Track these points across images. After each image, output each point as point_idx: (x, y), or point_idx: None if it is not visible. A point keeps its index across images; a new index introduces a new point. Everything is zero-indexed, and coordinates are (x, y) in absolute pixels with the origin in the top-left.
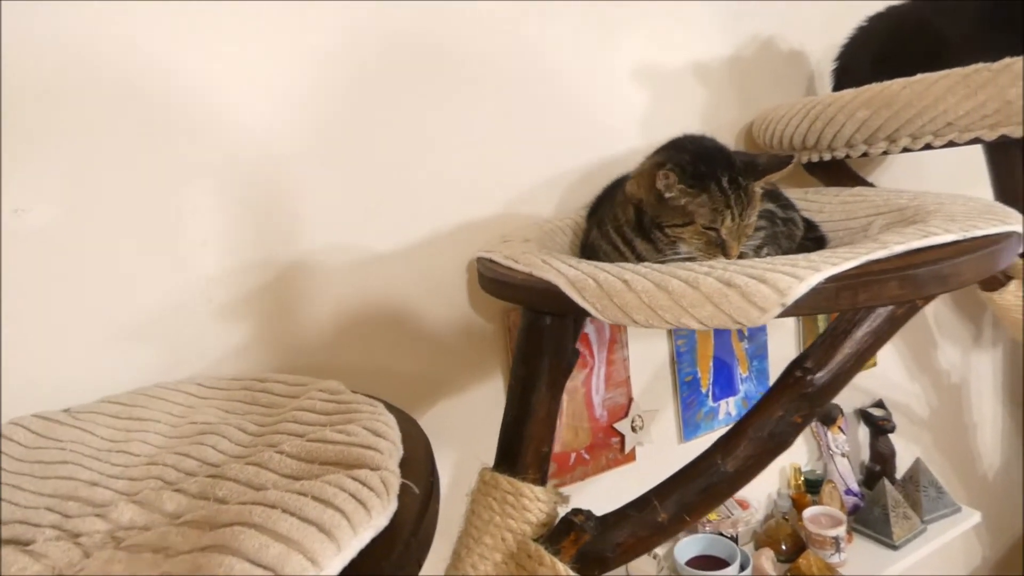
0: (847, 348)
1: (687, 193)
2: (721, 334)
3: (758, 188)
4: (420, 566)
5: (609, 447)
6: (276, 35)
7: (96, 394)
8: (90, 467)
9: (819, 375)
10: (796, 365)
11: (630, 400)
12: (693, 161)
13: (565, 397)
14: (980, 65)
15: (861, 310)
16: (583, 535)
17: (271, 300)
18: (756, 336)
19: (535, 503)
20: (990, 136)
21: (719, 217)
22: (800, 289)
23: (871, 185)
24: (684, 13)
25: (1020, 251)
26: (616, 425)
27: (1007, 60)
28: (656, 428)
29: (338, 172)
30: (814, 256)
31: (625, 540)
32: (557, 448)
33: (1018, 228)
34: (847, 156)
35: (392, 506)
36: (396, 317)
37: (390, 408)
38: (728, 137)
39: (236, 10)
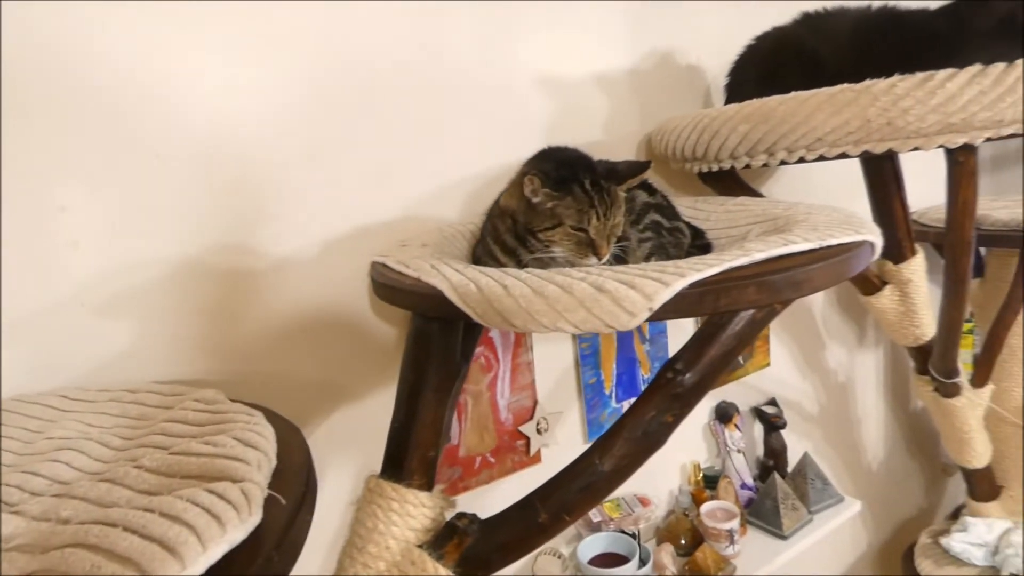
0: (713, 350)
1: (552, 196)
2: (623, 337)
3: (621, 192)
4: None
5: (515, 450)
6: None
7: None
8: None
9: (688, 376)
10: (668, 367)
11: (535, 403)
12: (556, 168)
13: (470, 401)
14: (845, 86)
15: (725, 314)
16: (466, 538)
17: (154, 305)
18: (657, 339)
19: (420, 509)
20: (854, 152)
21: (585, 217)
22: (666, 294)
23: (760, 195)
24: (584, 25)
25: (873, 258)
26: (521, 428)
27: (868, 82)
28: (561, 430)
29: (229, 171)
30: (683, 263)
31: (507, 542)
32: (462, 452)
33: (870, 237)
34: (732, 167)
35: (254, 518)
36: (294, 322)
37: (274, 417)
38: (630, 147)
39: None
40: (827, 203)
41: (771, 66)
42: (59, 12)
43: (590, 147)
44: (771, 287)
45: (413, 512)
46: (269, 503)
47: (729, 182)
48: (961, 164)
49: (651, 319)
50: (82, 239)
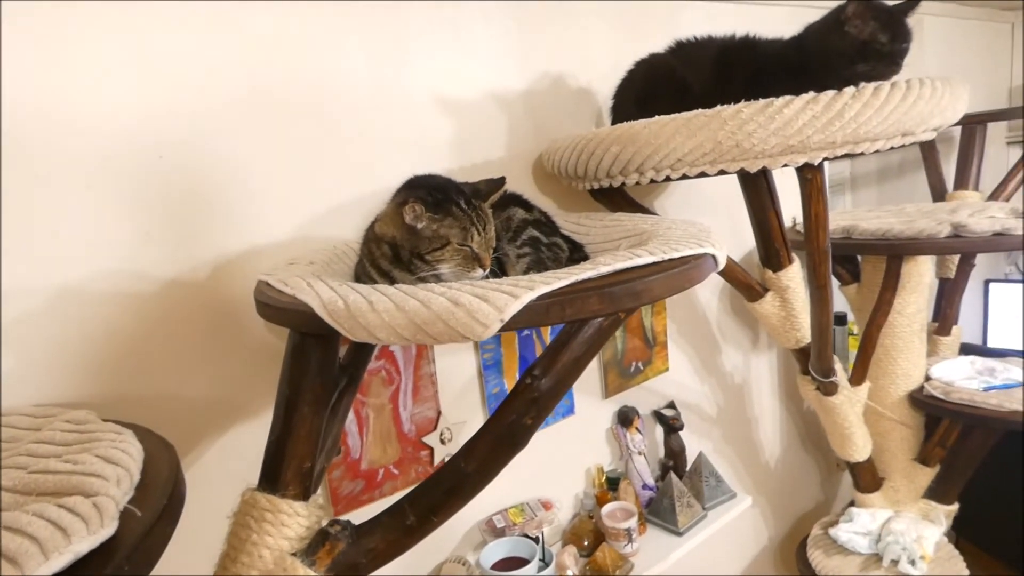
0: (566, 356)
1: (435, 220)
2: (525, 345)
3: (487, 207)
4: None
5: (419, 460)
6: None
7: None
8: None
9: (544, 381)
10: (527, 374)
11: (439, 413)
12: (431, 193)
13: (371, 414)
14: (699, 111)
15: (576, 323)
16: (338, 544)
17: (33, 330)
18: None
19: (294, 518)
20: (712, 171)
21: (467, 234)
22: (515, 306)
23: (646, 210)
24: (470, 47)
25: (715, 269)
26: (425, 439)
27: (718, 108)
28: (465, 439)
29: (109, 192)
30: (537, 277)
31: (377, 545)
32: (364, 466)
33: (712, 250)
34: (611, 185)
35: (106, 530)
36: (185, 341)
37: (147, 435)
38: (525, 165)
39: None
40: (716, 217)
41: (646, 90)
42: None
43: (487, 164)
44: (612, 297)
45: (287, 521)
46: (131, 516)
47: (617, 198)
48: (809, 181)
49: (504, 329)
50: None
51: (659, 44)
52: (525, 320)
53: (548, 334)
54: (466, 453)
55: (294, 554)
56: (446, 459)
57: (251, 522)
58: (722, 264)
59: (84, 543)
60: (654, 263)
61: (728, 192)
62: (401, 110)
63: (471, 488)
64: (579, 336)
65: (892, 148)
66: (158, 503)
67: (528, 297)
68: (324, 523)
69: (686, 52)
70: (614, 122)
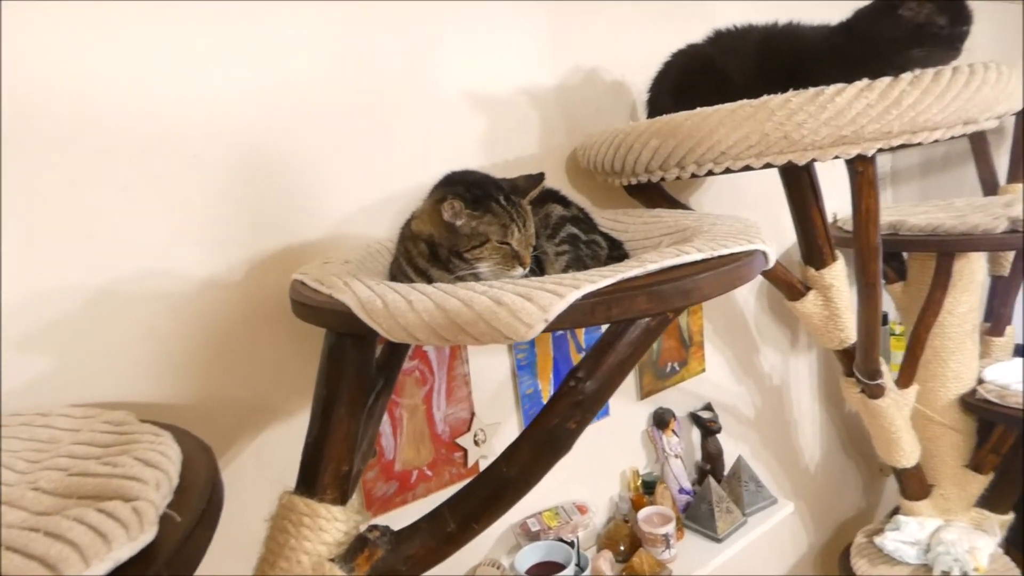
0: (611, 358)
1: (474, 217)
2: (560, 346)
3: (527, 204)
4: None
5: (452, 462)
6: None
7: None
8: None
9: (589, 384)
10: (570, 376)
11: (472, 415)
12: (469, 189)
13: (405, 415)
14: (744, 101)
15: (622, 323)
16: (377, 551)
17: (73, 330)
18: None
19: (332, 523)
20: (757, 164)
21: (507, 231)
22: (560, 305)
23: (683, 205)
24: (501, 42)
25: (766, 267)
26: (459, 440)
27: (765, 98)
28: (499, 441)
29: (144, 192)
30: (581, 275)
31: (416, 552)
32: (398, 467)
33: (762, 246)
34: (649, 180)
35: (145, 536)
36: (220, 342)
37: (185, 436)
38: (559, 160)
39: None
40: (755, 213)
41: (683, 82)
42: None
43: (519, 161)
44: (660, 296)
45: (325, 526)
46: (170, 521)
47: (653, 194)
48: (860, 174)
49: (548, 329)
50: None
51: (694, 35)
52: (570, 320)
53: (582, 334)
54: (507, 458)
55: (332, 559)
56: (480, 461)
57: (289, 526)
58: (772, 261)
59: (124, 549)
60: (703, 260)
61: (765, 186)
62: (433, 107)
63: (513, 494)
64: (625, 337)
65: (952, 138)
66: (197, 507)
67: (573, 296)
68: (362, 528)
69: (726, 42)
70: (650, 115)
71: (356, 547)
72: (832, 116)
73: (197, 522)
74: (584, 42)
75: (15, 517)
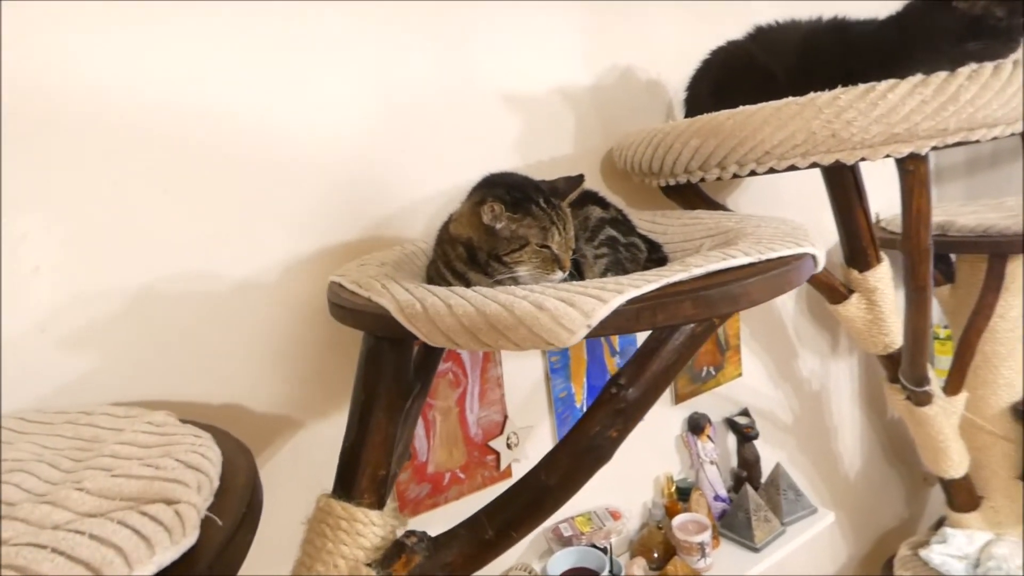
0: (655, 365)
1: (514, 219)
2: (593, 349)
3: (566, 206)
4: None
5: (485, 465)
6: None
7: None
8: None
9: (631, 391)
10: (611, 382)
11: (505, 418)
12: (509, 191)
13: (438, 417)
14: (789, 99)
15: (665, 329)
16: (414, 556)
17: (114, 329)
18: (627, 351)
19: (369, 527)
20: (803, 164)
21: (548, 234)
22: (604, 311)
23: (721, 207)
24: (536, 42)
25: (815, 271)
26: (491, 443)
27: (811, 95)
28: (531, 444)
29: (183, 194)
30: (624, 279)
31: (454, 559)
32: (430, 469)
33: (812, 250)
34: (687, 181)
35: (188, 539)
36: (257, 343)
37: (224, 438)
38: (594, 161)
39: None
40: (795, 214)
41: (724, 80)
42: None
43: (553, 162)
44: (707, 302)
45: (362, 531)
46: (212, 524)
47: (690, 195)
48: (911, 173)
49: (591, 335)
50: (43, 267)
51: (729, 33)
52: (613, 326)
53: (616, 338)
54: (547, 465)
55: (369, 564)
56: (512, 464)
57: (327, 530)
58: (822, 265)
59: (167, 553)
60: (750, 264)
61: (804, 185)
62: (467, 108)
63: (552, 503)
64: (669, 343)
65: (1013, 134)
66: (238, 510)
67: (617, 301)
68: (399, 533)
69: (767, 38)
70: (688, 115)
71: (393, 552)
72: (884, 113)
73: (238, 526)
74: (619, 41)
75: (61, 517)
